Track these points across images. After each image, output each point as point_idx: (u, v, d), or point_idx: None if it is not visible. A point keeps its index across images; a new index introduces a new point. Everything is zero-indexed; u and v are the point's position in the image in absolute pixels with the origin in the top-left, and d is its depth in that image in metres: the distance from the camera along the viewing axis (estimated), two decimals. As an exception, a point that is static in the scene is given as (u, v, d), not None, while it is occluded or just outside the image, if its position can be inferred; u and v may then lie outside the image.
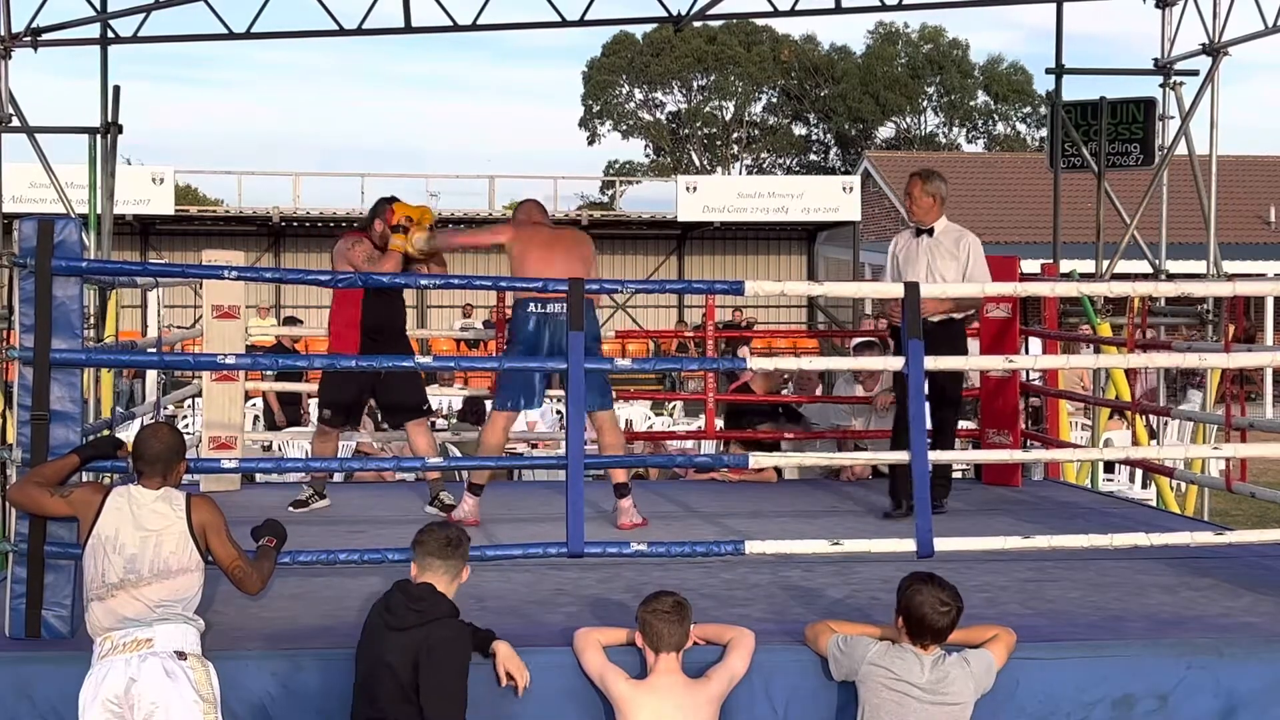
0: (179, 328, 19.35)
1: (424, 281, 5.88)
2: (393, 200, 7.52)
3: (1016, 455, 7.50)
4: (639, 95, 56.96)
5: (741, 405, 9.63)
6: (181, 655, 4.26)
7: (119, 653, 4.24)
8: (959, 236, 7.44)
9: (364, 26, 11.61)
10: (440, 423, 12.72)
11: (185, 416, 12.68)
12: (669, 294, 28.94)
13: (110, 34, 11.39)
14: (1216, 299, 10.70)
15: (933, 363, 5.51)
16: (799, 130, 58.26)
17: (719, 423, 9.25)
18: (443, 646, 4.30)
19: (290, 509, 7.42)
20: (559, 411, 12.22)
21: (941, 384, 7.38)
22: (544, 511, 7.33)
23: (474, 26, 11.76)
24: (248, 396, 10.87)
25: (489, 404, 7.90)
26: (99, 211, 11.14)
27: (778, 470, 8.81)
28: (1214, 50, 10.68)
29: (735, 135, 57.02)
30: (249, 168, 58.88)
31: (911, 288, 5.43)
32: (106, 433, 5.46)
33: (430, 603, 4.39)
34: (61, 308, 4.87)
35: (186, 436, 5.10)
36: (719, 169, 55.04)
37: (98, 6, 11.16)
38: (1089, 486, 9.44)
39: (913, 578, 4.54)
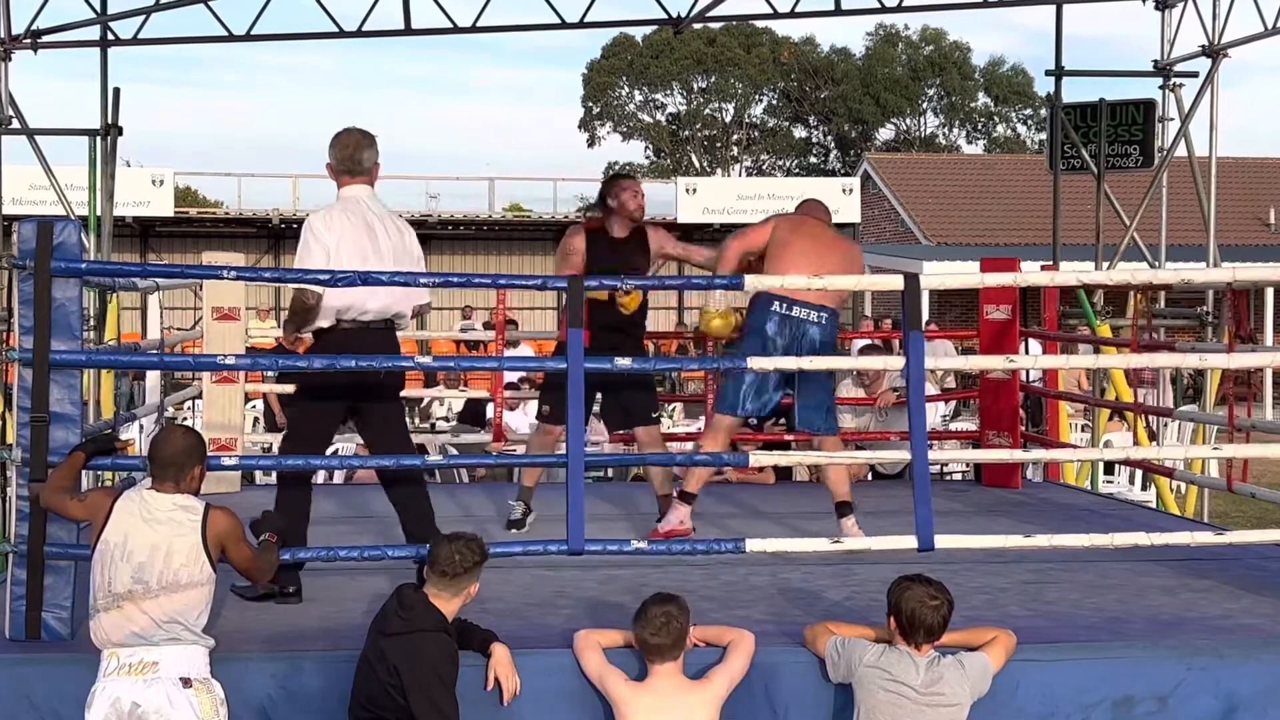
0: (179, 329, 19.33)
1: (423, 281, 5.85)
2: (627, 176, 7.28)
3: (1016, 455, 7.50)
4: (639, 97, 56.95)
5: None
6: (187, 682, 4.20)
7: (125, 674, 4.18)
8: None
9: (364, 28, 11.59)
10: (440, 424, 12.73)
11: (185, 418, 12.65)
12: (668, 296, 29.00)
13: (110, 36, 11.38)
14: (1216, 301, 10.70)
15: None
16: (799, 132, 58.22)
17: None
18: (423, 660, 4.28)
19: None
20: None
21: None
22: (544, 513, 7.32)
23: (474, 28, 11.75)
24: (248, 398, 10.86)
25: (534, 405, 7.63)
26: (99, 213, 11.14)
27: (787, 470, 8.80)
28: (1214, 52, 10.68)
29: (735, 137, 57.01)
30: (249, 169, 59.04)
31: (911, 279, 5.35)
32: (107, 432, 5.45)
33: (418, 613, 4.37)
34: (61, 309, 4.86)
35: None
36: (719, 171, 55.01)
37: (98, 9, 11.16)
38: (1089, 488, 9.44)
39: (900, 578, 4.56)
